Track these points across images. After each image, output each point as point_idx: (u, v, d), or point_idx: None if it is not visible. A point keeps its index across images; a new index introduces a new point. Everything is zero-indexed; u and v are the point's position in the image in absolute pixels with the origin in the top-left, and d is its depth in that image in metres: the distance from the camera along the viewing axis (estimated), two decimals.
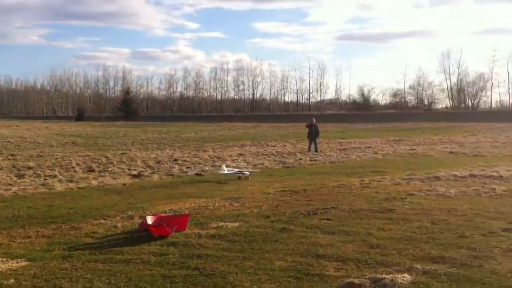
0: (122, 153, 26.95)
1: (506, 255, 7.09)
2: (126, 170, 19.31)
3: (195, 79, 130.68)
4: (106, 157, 24.62)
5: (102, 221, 10.15)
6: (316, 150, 27.02)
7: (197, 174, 18.13)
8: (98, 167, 20.31)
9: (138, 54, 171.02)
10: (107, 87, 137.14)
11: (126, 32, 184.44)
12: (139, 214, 10.67)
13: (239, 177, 16.54)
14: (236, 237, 8.48)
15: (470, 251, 7.30)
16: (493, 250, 7.37)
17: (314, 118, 30.30)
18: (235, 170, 17.49)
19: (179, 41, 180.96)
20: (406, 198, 12.02)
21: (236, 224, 9.51)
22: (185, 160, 22.75)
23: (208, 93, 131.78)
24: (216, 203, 11.92)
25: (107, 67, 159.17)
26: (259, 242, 8.11)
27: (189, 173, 18.58)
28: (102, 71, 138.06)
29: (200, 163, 21.60)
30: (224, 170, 16.93)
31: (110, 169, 19.76)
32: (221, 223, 9.60)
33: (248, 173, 16.87)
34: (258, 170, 18.60)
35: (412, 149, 27.66)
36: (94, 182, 16.22)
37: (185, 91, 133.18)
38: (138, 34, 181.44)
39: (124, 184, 15.80)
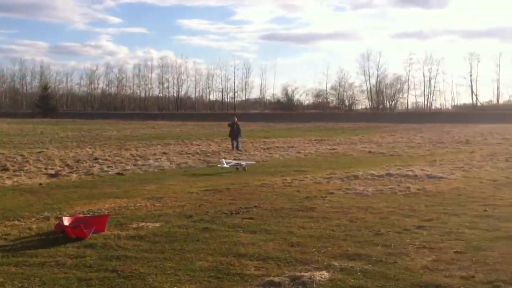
0: (39, 152, 25.83)
1: (419, 252, 7.41)
2: (43, 169, 18.54)
3: (117, 75, 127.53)
4: (21, 155, 23.51)
5: (16, 222, 9.69)
6: (237, 148, 27.30)
7: (118, 173, 17.71)
8: (12, 166, 19.37)
9: (57, 48, 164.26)
10: (23, 82, 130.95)
11: (44, 25, 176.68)
12: (56, 215, 10.27)
13: (237, 169, 18.07)
14: (157, 238, 8.35)
15: (385, 248, 7.57)
16: (407, 247, 7.68)
17: (235, 117, 30.62)
18: (233, 162, 19.15)
19: (101, 36, 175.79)
20: (326, 196, 12.31)
21: (158, 225, 9.37)
22: (106, 159, 22.16)
23: (132, 90, 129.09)
24: (137, 203, 11.69)
25: (24, 61, 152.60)
26: (180, 242, 8.03)
27: (110, 172, 18.12)
28: (19, 65, 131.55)
29: (122, 162, 21.11)
30: (224, 164, 18.36)
31: (25, 168, 18.89)
32: (141, 224, 9.42)
33: (244, 163, 18.61)
34: (254, 162, 20.18)
35: (333, 149, 28.39)
36: (8, 182, 15.47)
37: (107, 88, 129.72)
38: (57, 27, 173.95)
39: (40, 184, 15.17)
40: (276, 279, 6.14)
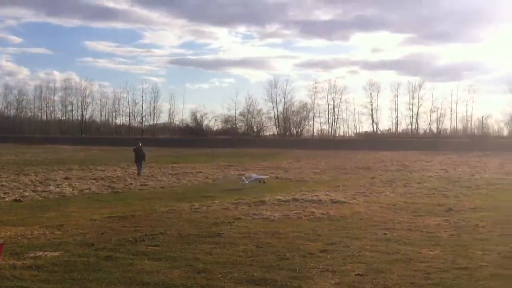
0: None
1: (322, 275, 7.57)
2: None
3: (17, 97, 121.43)
4: None
5: None
6: (138, 174, 27.09)
7: (15, 200, 16.73)
8: None
9: None
10: None
11: None
12: None
13: (259, 182, 20.13)
14: (55, 267, 7.94)
15: (291, 272, 7.67)
16: (311, 270, 7.82)
17: (140, 142, 30.59)
18: (254, 177, 21.06)
19: (1, 55, 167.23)
20: (233, 222, 12.32)
21: (56, 253, 8.91)
22: (2, 185, 20.90)
23: (32, 113, 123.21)
24: (35, 231, 11.08)
25: None
26: (80, 272, 7.68)
27: (6, 198, 17.08)
28: None
29: (19, 188, 19.99)
30: (245, 181, 19.83)
31: None
32: (39, 253, 8.92)
33: (265, 177, 20.92)
34: (267, 176, 22.53)
35: (242, 174, 28.54)
36: None
37: (6, 110, 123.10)
38: None
39: None
40: None
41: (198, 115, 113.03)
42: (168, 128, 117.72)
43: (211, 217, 13.21)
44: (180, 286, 6.96)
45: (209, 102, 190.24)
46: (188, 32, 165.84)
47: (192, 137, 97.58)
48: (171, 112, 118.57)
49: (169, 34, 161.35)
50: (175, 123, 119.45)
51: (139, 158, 27.94)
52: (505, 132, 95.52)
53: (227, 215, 13.43)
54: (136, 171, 27.79)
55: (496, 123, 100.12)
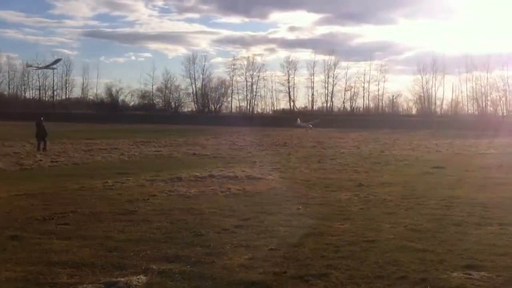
0: None
1: (236, 251, 7.62)
2: None
3: None
4: None
5: None
6: (44, 149, 26.42)
7: None
8: None
9: None
10: None
11: None
12: None
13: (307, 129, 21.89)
14: None
15: (205, 249, 7.67)
16: (225, 246, 7.86)
17: (42, 116, 30.16)
18: (304, 124, 22.52)
19: None
20: (148, 199, 12.13)
21: None
22: None
23: None
24: None
25: None
26: None
27: None
28: None
29: None
30: (298, 122, 22.47)
31: None
32: None
33: (311, 125, 22.24)
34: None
35: (158, 151, 28.17)
36: None
37: None
38: None
39: None
40: (90, 286, 5.88)
41: (114, 90, 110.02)
42: (82, 103, 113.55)
43: (125, 194, 12.92)
44: (90, 265, 6.76)
45: (125, 77, 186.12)
46: (103, 4, 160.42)
47: (107, 112, 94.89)
48: (85, 86, 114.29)
49: (82, 5, 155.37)
50: (89, 98, 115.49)
51: (41, 133, 27.33)
52: (414, 111, 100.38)
53: (142, 192, 13.20)
54: (36, 146, 27.06)
55: (406, 102, 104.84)
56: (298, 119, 18.84)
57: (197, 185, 14.69)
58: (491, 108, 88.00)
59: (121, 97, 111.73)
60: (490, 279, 6.41)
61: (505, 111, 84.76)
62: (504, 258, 7.27)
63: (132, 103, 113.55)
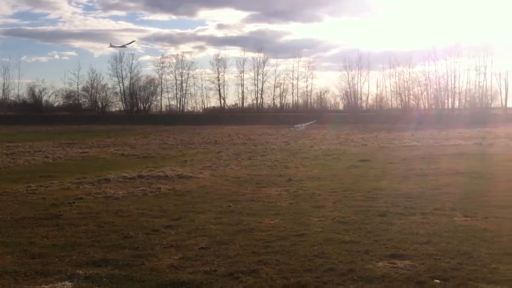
0: None
1: (166, 251, 7.53)
2: None
3: None
4: None
5: None
6: None
7: None
8: None
9: None
10: None
11: None
12: None
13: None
14: None
15: (133, 251, 7.52)
16: (154, 247, 7.74)
17: None
18: (304, 125, 22.16)
19: None
20: (74, 202, 11.76)
21: None
22: None
23: None
24: None
25: None
26: None
27: None
28: None
29: None
30: (299, 127, 20.43)
31: None
32: None
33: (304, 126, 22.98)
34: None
35: (85, 152, 27.33)
36: None
37: None
38: None
39: None
40: None
41: (37, 90, 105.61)
42: (2, 104, 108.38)
43: (49, 198, 12.47)
44: (12, 273, 6.48)
45: (49, 76, 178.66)
46: (24, 1, 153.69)
47: (30, 114, 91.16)
48: (6, 87, 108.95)
49: (1, 3, 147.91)
50: (10, 99, 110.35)
51: None
52: (341, 106, 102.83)
53: (67, 196, 12.77)
54: None
55: (333, 97, 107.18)
56: (299, 125, 19.00)
57: (126, 186, 14.40)
58: (414, 102, 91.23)
59: (44, 98, 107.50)
60: (413, 267, 6.67)
61: (426, 105, 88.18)
62: (427, 247, 7.59)
63: (56, 104, 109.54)
